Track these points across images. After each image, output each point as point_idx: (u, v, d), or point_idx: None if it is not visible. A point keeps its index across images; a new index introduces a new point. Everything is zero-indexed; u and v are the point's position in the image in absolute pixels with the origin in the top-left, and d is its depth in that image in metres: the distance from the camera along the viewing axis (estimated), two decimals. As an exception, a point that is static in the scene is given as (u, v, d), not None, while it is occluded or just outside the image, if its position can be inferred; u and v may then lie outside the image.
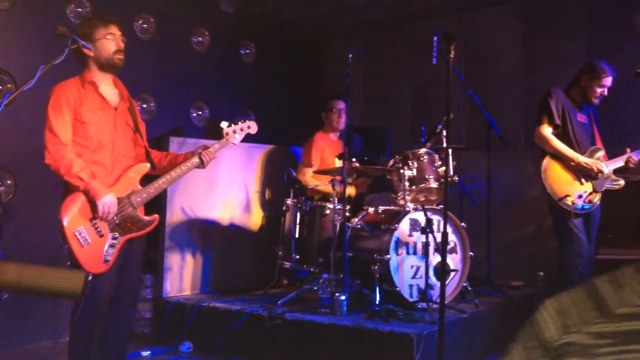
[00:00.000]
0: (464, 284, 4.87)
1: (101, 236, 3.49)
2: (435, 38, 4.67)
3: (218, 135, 4.01)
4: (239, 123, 3.99)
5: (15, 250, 4.21)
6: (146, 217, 3.70)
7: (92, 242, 3.44)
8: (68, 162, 3.42)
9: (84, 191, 3.45)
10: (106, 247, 3.50)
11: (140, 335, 5.13)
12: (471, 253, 4.93)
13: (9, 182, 4.83)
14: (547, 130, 4.72)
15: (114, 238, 3.54)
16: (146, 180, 3.75)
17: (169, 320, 5.12)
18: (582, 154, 4.74)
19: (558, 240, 4.82)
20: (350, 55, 4.91)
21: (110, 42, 3.62)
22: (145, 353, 4.76)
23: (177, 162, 3.84)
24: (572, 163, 4.69)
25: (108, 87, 3.69)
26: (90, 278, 3.36)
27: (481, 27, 6.72)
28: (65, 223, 3.38)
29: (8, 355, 4.28)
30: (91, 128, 3.55)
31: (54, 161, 3.42)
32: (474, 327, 4.66)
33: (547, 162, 4.72)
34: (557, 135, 4.74)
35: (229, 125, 3.96)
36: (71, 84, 3.55)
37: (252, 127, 4.05)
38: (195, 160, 3.80)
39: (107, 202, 3.47)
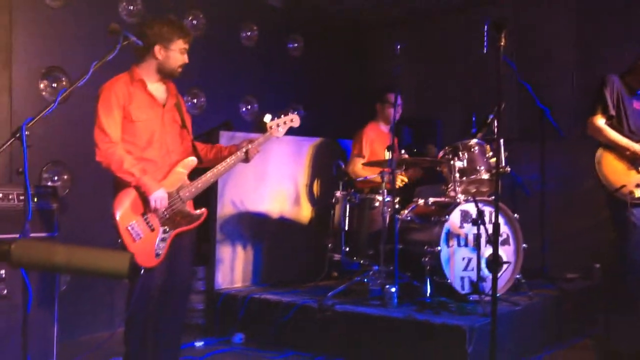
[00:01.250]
0: (517, 276, 4.79)
1: (152, 230, 3.54)
2: (485, 27, 4.60)
3: (264, 129, 4.03)
4: (282, 116, 4.00)
5: (71, 243, 4.31)
6: (195, 211, 3.74)
7: (144, 237, 3.50)
8: (119, 158, 3.48)
9: (135, 187, 3.50)
10: (157, 241, 3.56)
11: (193, 326, 5.21)
12: (524, 245, 4.84)
13: (65, 177, 4.95)
14: (600, 121, 4.58)
15: (164, 232, 3.59)
16: (193, 173, 3.79)
17: (221, 312, 5.19)
18: (638, 142, 4.59)
19: (617, 232, 4.68)
20: (398, 47, 4.87)
21: (182, 56, 3.68)
22: (199, 344, 4.84)
23: (222, 155, 3.87)
24: (627, 152, 4.55)
25: (156, 85, 3.72)
26: (142, 272, 3.45)
27: (533, 14, 6.56)
28: (118, 218, 3.45)
29: (65, 346, 4.38)
30: (140, 126, 3.60)
31: (105, 158, 3.49)
32: (528, 320, 4.58)
33: (601, 153, 4.59)
34: (610, 125, 4.61)
35: (272, 119, 3.97)
36: (120, 82, 3.59)
37: (295, 120, 4.04)
38: (241, 154, 3.83)
39: (159, 196, 3.52)
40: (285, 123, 4.00)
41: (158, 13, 5.23)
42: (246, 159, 3.86)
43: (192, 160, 3.77)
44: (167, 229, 3.61)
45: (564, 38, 6.34)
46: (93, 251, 1.53)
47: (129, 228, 3.46)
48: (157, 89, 3.73)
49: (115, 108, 3.52)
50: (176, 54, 3.66)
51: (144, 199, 3.52)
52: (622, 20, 5.98)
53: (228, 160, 3.80)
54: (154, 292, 3.62)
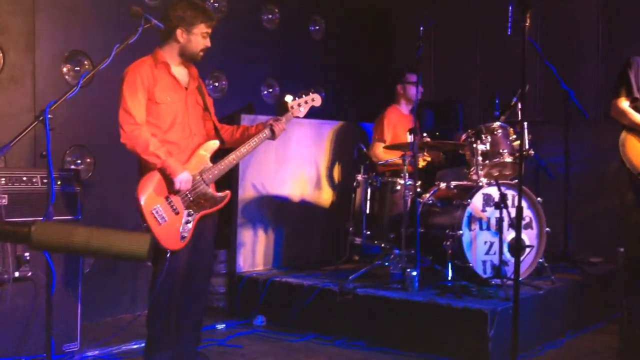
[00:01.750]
0: (540, 260, 4.75)
1: (177, 214, 3.56)
2: (510, 7, 4.52)
3: (286, 109, 4.03)
4: (303, 96, 3.99)
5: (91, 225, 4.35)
6: (218, 194, 3.75)
7: (168, 220, 3.51)
8: (144, 141, 3.49)
9: (160, 169, 3.51)
10: (182, 223, 3.57)
11: (215, 308, 5.25)
12: (547, 229, 4.80)
13: (88, 160, 4.98)
14: (624, 104, 4.45)
15: (189, 215, 3.60)
16: (216, 156, 3.80)
17: (243, 295, 5.22)
18: None
19: None
20: (422, 28, 4.82)
21: (204, 40, 3.69)
22: (221, 326, 4.88)
23: (250, 133, 3.87)
24: None
25: (179, 68, 3.73)
26: (169, 255, 3.47)
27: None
28: (142, 202, 3.46)
29: (88, 327, 4.45)
30: (164, 108, 3.61)
31: (130, 140, 3.49)
32: (551, 305, 4.55)
33: (625, 136, 4.46)
34: (635, 107, 4.52)
35: (294, 99, 3.97)
36: (145, 65, 3.60)
37: (317, 99, 4.04)
38: (267, 132, 3.83)
39: (184, 179, 3.54)
40: (306, 102, 4.00)
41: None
42: (272, 136, 3.86)
43: (215, 143, 3.78)
44: (192, 212, 3.62)
45: (589, 19, 6.22)
46: (113, 233, 1.53)
47: (154, 211, 3.47)
48: (180, 72, 3.74)
49: (140, 90, 3.53)
50: (198, 37, 3.65)
51: (168, 181, 3.53)
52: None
53: (251, 141, 3.81)
54: (179, 275, 3.65)
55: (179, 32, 3.61)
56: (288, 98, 3.98)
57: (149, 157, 3.49)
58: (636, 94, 4.46)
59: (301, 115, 3.99)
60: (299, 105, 3.97)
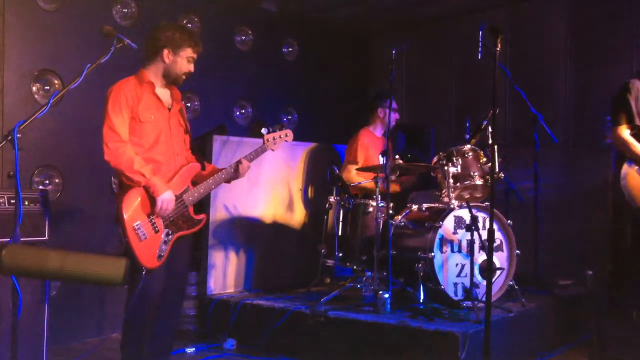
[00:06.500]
0: (511, 283, 4.78)
1: (157, 232, 3.58)
2: (481, 32, 4.58)
3: (260, 134, 4.11)
4: (277, 131, 4.10)
5: (62, 248, 4.27)
6: (196, 216, 3.79)
7: (148, 237, 3.54)
8: (129, 158, 3.51)
9: (144, 187, 3.53)
10: (160, 243, 3.59)
11: (184, 332, 5.17)
12: (518, 251, 4.83)
13: (56, 180, 4.91)
14: (625, 133, 4.28)
15: (167, 235, 3.64)
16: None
17: (213, 318, 5.15)
18: None
19: (635, 245, 4.43)
20: (394, 51, 4.87)
21: (188, 64, 3.76)
22: (190, 350, 4.80)
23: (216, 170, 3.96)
24: None
25: (162, 89, 3.80)
26: (144, 273, 3.45)
27: (526, 21, 6.57)
28: (125, 217, 3.47)
29: (55, 351, 4.35)
30: (147, 127, 3.65)
31: (114, 158, 3.51)
32: (521, 327, 4.56)
33: (627, 171, 4.25)
34: (635, 135, 4.29)
35: (269, 132, 4.08)
36: (129, 84, 3.64)
37: (289, 135, 4.18)
38: (234, 166, 3.91)
39: (167, 198, 3.56)
40: (280, 137, 4.11)
41: (152, 16, 5.22)
42: (236, 175, 3.92)
43: (197, 166, 3.86)
44: (170, 232, 3.65)
45: (557, 45, 6.35)
46: (88, 257, 1.50)
47: (136, 227, 3.49)
48: (163, 93, 3.80)
49: (124, 108, 3.56)
50: (183, 60, 3.73)
51: (151, 199, 3.55)
52: (615, 24, 5.99)
53: (228, 168, 3.89)
54: (154, 295, 3.64)
55: (165, 52, 3.67)
56: (264, 130, 4.09)
57: (133, 175, 3.50)
58: (637, 121, 4.27)
59: (275, 149, 4.11)
60: (274, 139, 4.07)
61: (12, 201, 3.85)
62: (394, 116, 5.30)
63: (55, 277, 1.47)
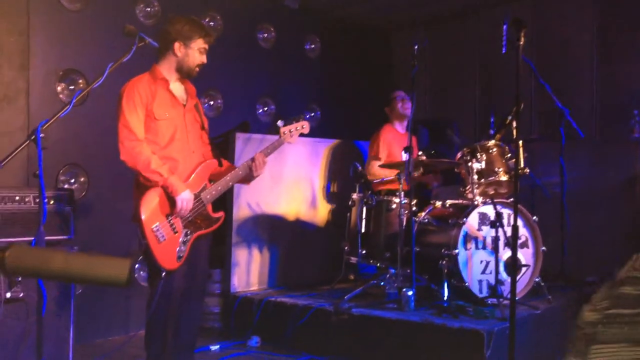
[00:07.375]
0: (536, 280, 4.72)
1: (175, 233, 3.52)
2: (504, 27, 4.52)
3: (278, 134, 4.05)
4: (294, 122, 4.00)
5: (87, 247, 4.32)
6: (214, 214, 3.74)
7: (167, 239, 3.47)
8: (146, 158, 3.44)
9: (162, 187, 3.47)
10: (179, 243, 3.54)
11: (209, 329, 5.20)
12: (544, 248, 4.77)
13: (82, 179, 4.96)
14: None
15: (186, 235, 3.57)
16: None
17: (237, 315, 5.17)
18: None
19: None
20: (416, 47, 4.83)
21: (200, 56, 3.68)
22: (214, 347, 4.82)
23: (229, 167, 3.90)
24: None
25: (176, 84, 3.72)
26: (164, 274, 3.43)
27: (552, 14, 6.48)
28: (144, 218, 3.40)
29: (80, 349, 4.39)
30: (162, 124, 3.58)
31: (131, 157, 3.45)
32: (547, 324, 4.51)
33: None
34: None
35: (285, 124, 3.99)
36: (143, 81, 3.58)
37: (306, 127, 4.05)
38: (249, 161, 3.82)
39: (185, 198, 3.50)
40: (297, 129, 4.01)
41: (175, 14, 5.24)
42: (252, 170, 3.82)
43: (214, 163, 3.78)
44: (189, 232, 3.59)
45: (583, 37, 6.25)
46: (92, 258, 1.49)
47: (154, 229, 3.43)
48: (178, 88, 3.73)
49: (139, 106, 3.50)
50: (195, 52, 3.65)
51: (169, 199, 3.49)
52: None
53: (245, 164, 3.81)
54: (175, 295, 3.61)
55: (176, 45, 3.60)
56: (280, 123, 4.00)
57: (150, 175, 3.45)
58: None
59: (292, 142, 4.00)
60: (290, 131, 3.98)
61: (38, 200, 3.88)
62: (407, 105, 5.29)
63: (60, 278, 1.46)
